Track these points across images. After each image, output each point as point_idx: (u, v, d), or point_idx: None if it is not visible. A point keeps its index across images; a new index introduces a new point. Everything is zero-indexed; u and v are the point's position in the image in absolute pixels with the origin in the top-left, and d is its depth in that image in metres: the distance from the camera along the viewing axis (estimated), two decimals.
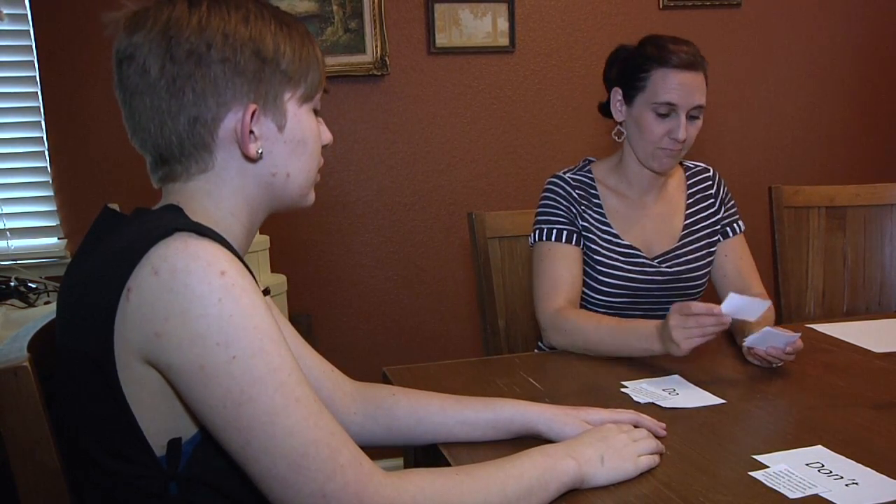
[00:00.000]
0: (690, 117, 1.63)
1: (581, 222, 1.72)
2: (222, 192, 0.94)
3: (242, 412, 0.79)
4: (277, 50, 0.92)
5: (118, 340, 0.80)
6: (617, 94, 1.70)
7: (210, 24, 0.88)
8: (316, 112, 1.00)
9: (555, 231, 1.70)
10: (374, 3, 2.63)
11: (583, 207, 1.72)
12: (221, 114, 0.90)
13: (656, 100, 1.61)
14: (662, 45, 1.63)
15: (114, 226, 0.92)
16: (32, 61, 2.46)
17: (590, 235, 1.71)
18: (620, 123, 1.72)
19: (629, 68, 1.66)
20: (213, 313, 0.78)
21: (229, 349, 0.79)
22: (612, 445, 1.04)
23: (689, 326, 1.38)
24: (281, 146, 0.94)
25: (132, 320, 0.79)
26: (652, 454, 1.08)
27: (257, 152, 0.92)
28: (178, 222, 0.84)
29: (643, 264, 1.70)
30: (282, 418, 0.80)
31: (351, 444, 0.84)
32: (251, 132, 0.91)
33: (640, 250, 1.71)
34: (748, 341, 1.44)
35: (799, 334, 1.41)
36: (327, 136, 1.02)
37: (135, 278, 0.79)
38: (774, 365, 1.45)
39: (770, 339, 1.41)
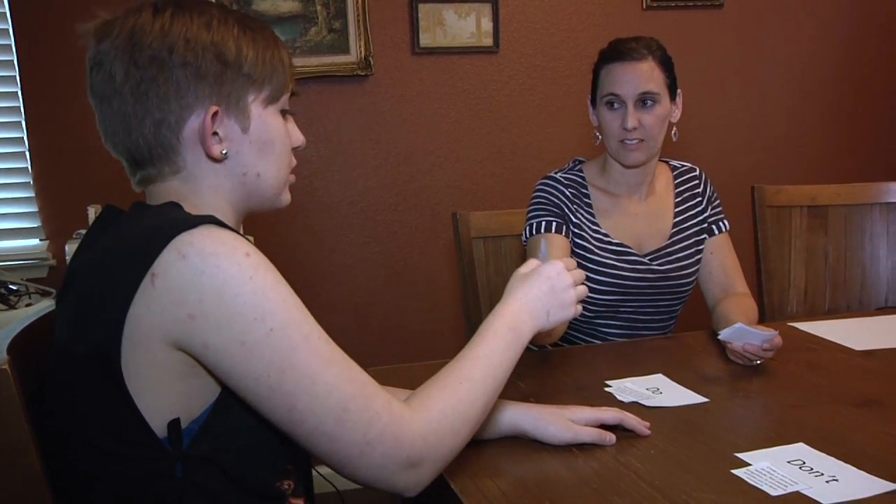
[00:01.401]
0: (642, 104, 1.66)
1: (573, 219, 1.73)
2: (201, 190, 0.97)
3: (286, 379, 0.85)
4: (240, 53, 0.94)
5: (132, 325, 0.82)
6: (589, 101, 1.78)
7: (172, 29, 0.91)
8: (285, 114, 1.02)
9: (543, 223, 1.72)
10: (357, 3, 2.62)
11: (575, 206, 1.74)
12: (185, 116, 0.93)
13: (603, 93, 1.69)
14: (612, 45, 1.71)
15: (117, 220, 0.95)
16: (12, 61, 2.44)
17: (581, 234, 1.73)
18: (597, 127, 1.77)
19: (593, 75, 1.75)
20: (248, 290, 0.83)
21: (266, 322, 0.84)
22: (557, 297, 1.11)
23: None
24: (247, 146, 0.97)
25: (158, 305, 0.82)
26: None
27: (221, 153, 0.95)
28: (198, 216, 0.88)
29: (635, 262, 1.72)
30: (321, 378, 0.86)
31: (380, 391, 0.91)
32: (215, 133, 0.94)
33: (631, 248, 1.73)
34: (722, 335, 1.46)
35: (776, 332, 1.42)
36: (298, 139, 1.05)
37: (160, 264, 0.82)
38: (754, 362, 1.46)
39: (745, 336, 1.42)
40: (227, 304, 0.82)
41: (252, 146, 0.97)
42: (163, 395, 0.85)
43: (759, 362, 1.46)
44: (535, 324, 1.09)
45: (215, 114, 0.93)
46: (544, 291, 1.11)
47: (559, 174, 1.78)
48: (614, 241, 1.72)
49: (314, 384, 0.86)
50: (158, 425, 0.85)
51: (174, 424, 0.86)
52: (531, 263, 1.16)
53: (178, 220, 0.85)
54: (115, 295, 0.83)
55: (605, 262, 1.71)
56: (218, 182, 0.97)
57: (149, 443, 0.85)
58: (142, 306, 0.82)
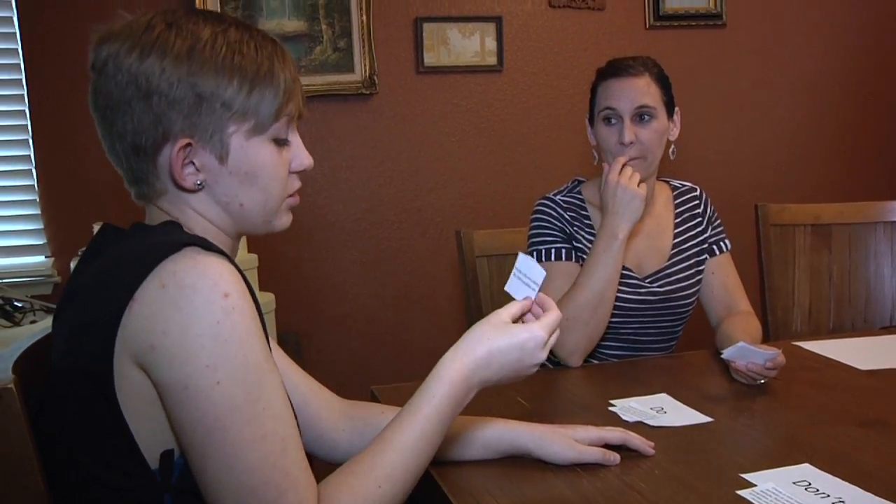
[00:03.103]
0: (640, 119, 1.67)
1: (575, 243, 1.72)
2: (188, 213, 0.95)
3: (210, 440, 0.81)
4: (220, 85, 0.90)
5: (118, 350, 0.82)
6: (587, 120, 1.78)
7: (152, 53, 0.88)
8: (281, 141, 0.96)
9: (553, 250, 1.71)
10: (362, 22, 2.64)
11: (575, 228, 1.73)
12: (160, 143, 0.90)
13: (601, 108, 1.70)
14: (609, 63, 1.73)
15: (113, 239, 0.94)
16: (21, 80, 2.46)
17: (584, 256, 1.72)
18: (595, 146, 1.76)
19: (590, 94, 1.76)
20: (210, 333, 0.80)
21: (216, 373, 0.81)
22: (519, 371, 0.99)
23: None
24: (227, 177, 0.93)
25: (131, 329, 0.81)
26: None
27: (195, 184, 0.92)
28: (185, 237, 0.86)
29: (635, 285, 1.71)
30: (243, 453, 0.82)
31: (301, 487, 0.84)
32: (192, 163, 0.92)
33: (632, 270, 1.72)
34: (725, 354, 1.45)
35: (779, 351, 1.41)
36: (301, 163, 0.99)
37: (142, 290, 0.81)
38: (758, 381, 1.46)
39: (748, 355, 1.42)
40: (187, 343, 0.80)
41: (232, 177, 0.93)
42: (146, 424, 0.84)
43: (763, 381, 1.46)
44: (480, 389, 0.99)
45: (187, 145, 0.90)
46: (509, 361, 0.99)
47: (557, 196, 1.78)
48: None
49: (234, 456, 0.81)
50: (149, 455, 0.85)
51: (167, 456, 0.85)
52: (512, 308, 1.02)
53: (162, 245, 0.83)
54: (104, 320, 0.82)
55: None
56: (202, 208, 0.95)
57: (140, 472, 0.84)
58: (122, 330, 0.82)
